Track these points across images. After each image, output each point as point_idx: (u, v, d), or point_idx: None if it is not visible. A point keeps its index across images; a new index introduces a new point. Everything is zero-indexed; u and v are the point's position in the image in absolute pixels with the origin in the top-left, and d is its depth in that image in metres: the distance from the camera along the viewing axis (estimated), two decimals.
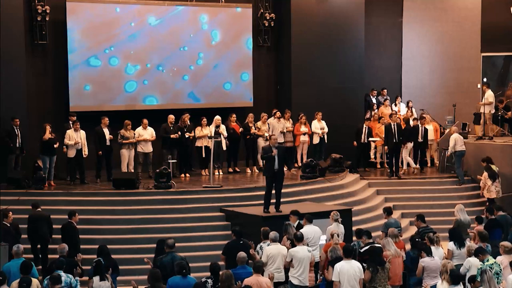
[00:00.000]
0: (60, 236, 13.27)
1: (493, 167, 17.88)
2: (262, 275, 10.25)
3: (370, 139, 20.09)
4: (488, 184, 17.69)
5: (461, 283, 9.62)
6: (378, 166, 20.72)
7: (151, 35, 19.23)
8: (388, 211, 13.61)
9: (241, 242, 11.62)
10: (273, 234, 11.51)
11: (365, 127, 19.98)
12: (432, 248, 11.44)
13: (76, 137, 16.85)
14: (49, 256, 13.41)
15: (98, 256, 11.27)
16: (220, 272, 9.73)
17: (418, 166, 19.74)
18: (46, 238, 13.74)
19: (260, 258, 11.16)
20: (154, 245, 12.38)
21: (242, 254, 10.62)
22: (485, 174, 17.81)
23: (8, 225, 13.11)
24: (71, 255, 11.42)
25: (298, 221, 12.91)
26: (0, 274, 9.86)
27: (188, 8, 19.71)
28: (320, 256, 11.93)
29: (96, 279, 10.41)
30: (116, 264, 11.38)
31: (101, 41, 18.65)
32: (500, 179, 17.76)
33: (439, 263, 11.00)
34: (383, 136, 19.34)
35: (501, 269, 10.31)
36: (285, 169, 14.98)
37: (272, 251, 11.23)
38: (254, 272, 10.05)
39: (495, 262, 10.39)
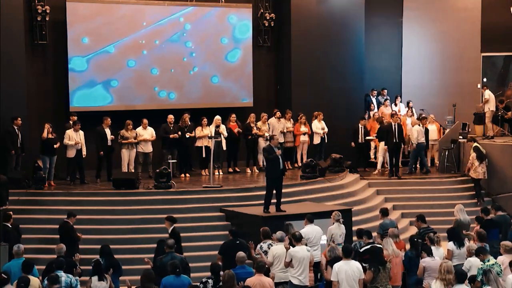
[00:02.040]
0: (58, 236, 13.27)
1: (480, 147, 18.25)
2: (265, 274, 10.25)
3: (367, 137, 20.07)
4: (475, 164, 18.09)
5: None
6: (378, 166, 20.69)
7: (151, 35, 19.23)
8: (384, 212, 13.61)
9: (238, 242, 11.61)
10: (279, 234, 11.49)
11: (361, 127, 19.97)
12: (433, 248, 11.43)
13: (75, 137, 16.86)
14: (48, 256, 13.40)
15: (100, 256, 11.28)
16: (222, 273, 9.73)
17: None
18: (3, 201, 13.72)
19: (266, 258, 11.18)
20: (154, 245, 12.40)
21: (241, 254, 10.62)
22: (473, 154, 18.20)
23: (10, 226, 13.11)
24: (70, 255, 11.43)
25: (173, 226, 12.73)
26: (3, 273, 9.86)
27: (189, 8, 19.70)
28: (321, 260, 11.91)
29: (94, 279, 10.41)
30: (119, 264, 11.40)
31: (101, 41, 18.65)
32: (487, 160, 18.37)
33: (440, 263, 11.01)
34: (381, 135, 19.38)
35: (501, 270, 10.31)
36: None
37: (277, 251, 11.23)
38: (256, 272, 10.05)
39: (495, 263, 10.38)
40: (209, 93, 20.03)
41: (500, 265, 10.39)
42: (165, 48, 19.42)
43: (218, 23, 20.01)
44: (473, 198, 18.62)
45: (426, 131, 19.66)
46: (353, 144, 19.92)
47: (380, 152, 19.69)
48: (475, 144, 18.50)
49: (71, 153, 16.91)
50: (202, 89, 19.93)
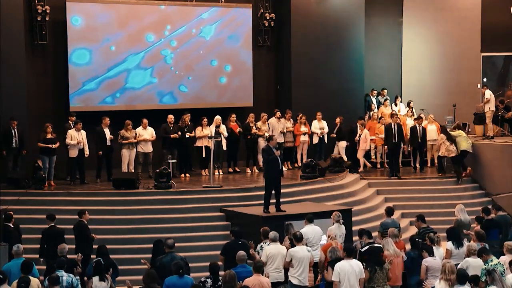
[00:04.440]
0: (73, 236, 13.23)
1: (457, 132, 19.10)
2: (263, 275, 10.24)
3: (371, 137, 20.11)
4: (447, 144, 18.80)
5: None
6: (378, 166, 20.71)
7: (151, 35, 19.22)
8: (388, 211, 13.59)
9: (240, 242, 11.60)
10: (272, 234, 11.50)
11: (359, 126, 19.96)
12: (433, 248, 11.42)
13: (77, 136, 16.85)
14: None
15: (97, 256, 11.29)
16: (222, 272, 9.72)
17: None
18: None
19: (260, 258, 11.17)
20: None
21: (241, 252, 10.62)
22: (442, 135, 19.00)
23: (12, 226, 13.11)
24: (83, 253, 11.52)
25: (51, 224, 12.87)
26: (0, 273, 9.85)
27: (189, 8, 19.71)
28: (319, 257, 11.92)
29: (95, 279, 10.42)
30: (115, 264, 11.39)
31: (101, 41, 18.66)
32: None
33: (440, 263, 10.99)
34: (383, 136, 19.40)
35: (504, 269, 10.30)
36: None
37: (271, 251, 11.23)
38: (254, 272, 10.04)
39: (498, 263, 10.37)
40: (209, 93, 20.03)
41: (503, 265, 10.38)
42: (165, 47, 19.41)
43: (218, 23, 20.00)
44: (476, 198, 18.65)
45: (424, 131, 19.69)
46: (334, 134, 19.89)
47: (342, 151, 19.77)
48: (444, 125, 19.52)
49: (73, 153, 16.89)
50: (201, 89, 19.92)
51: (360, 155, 19.81)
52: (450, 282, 9.45)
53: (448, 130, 19.34)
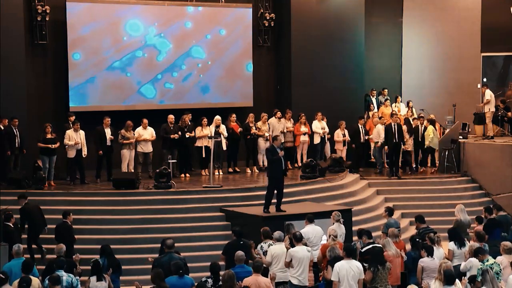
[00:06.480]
0: (53, 236, 13.28)
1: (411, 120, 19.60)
2: (263, 275, 10.24)
3: (370, 137, 20.09)
4: (406, 137, 19.24)
5: (457, 282, 9.59)
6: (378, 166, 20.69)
7: (151, 34, 19.22)
8: (389, 211, 13.60)
9: (241, 242, 11.61)
10: (277, 233, 11.50)
11: (361, 127, 19.99)
12: (433, 248, 11.42)
13: (76, 137, 16.84)
14: (47, 256, 13.43)
15: (101, 256, 11.29)
16: (222, 272, 9.72)
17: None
18: None
19: (263, 258, 11.19)
20: (154, 245, 12.46)
21: (240, 253, 10.60)
22: (405, 127, 19.37)
23: (12, 226, 13.11)
24: (67, 255, 11.46)
25: (24, 203, 13.32)
26: (2, 273, 9.85)
27: (189, 8, 19.71)
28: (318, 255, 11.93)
29: (93, 279, 10.42)
30: (119, 264, 11.41)
31: (101, 41, 18.66)
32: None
33: (438, 263, 10.99)
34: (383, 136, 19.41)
35: (501, 269, 10.31)
36: None
37: (276, 250, 11.24)
38: (253, 272, 10.04)
39: (495, 262, 10.38)
40: (209, 93, 20.02)
41: (499, 265, 10.39)
42: (165, 47, 19.40)
43: (218, 23, 20.00)
44: (476, 198, 18.61)
45: (424, 131, 19.67)
46: (353, 146, 19.88)
47: (328, 151, 19.98)
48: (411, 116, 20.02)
49: (71, 153, 16.88)
50: (202, 89, 19.91)
51: (343, 154, 19.86)
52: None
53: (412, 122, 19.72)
